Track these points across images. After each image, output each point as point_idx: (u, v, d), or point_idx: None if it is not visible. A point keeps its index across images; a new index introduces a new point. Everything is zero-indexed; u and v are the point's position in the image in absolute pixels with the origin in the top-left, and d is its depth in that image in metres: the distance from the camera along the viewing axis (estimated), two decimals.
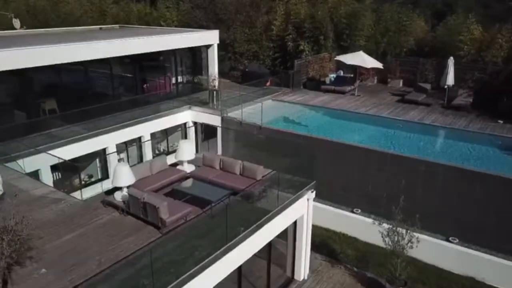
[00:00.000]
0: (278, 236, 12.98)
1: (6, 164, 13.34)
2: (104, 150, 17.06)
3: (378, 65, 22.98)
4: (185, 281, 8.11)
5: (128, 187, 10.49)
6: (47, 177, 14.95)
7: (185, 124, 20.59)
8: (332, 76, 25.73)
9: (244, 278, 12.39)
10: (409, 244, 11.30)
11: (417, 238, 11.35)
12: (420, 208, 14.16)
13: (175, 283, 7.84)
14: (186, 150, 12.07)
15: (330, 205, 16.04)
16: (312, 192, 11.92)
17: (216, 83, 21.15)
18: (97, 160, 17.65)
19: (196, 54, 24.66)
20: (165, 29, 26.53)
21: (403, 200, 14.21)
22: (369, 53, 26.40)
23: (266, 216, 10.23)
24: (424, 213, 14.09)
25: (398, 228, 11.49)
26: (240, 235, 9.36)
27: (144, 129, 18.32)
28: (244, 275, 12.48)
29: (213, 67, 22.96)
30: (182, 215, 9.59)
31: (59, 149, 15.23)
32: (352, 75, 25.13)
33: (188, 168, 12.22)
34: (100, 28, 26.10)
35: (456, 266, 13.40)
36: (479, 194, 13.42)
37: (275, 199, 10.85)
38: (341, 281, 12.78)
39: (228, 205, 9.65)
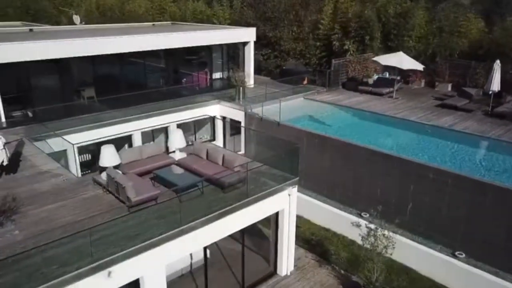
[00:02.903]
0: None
1: (35, 143, 15.09)
2: (130, 136, 18.43)
3: (418, 66, 21.78)
4: (132, 254, 8.77)
5: (117, 167, 11.46)
6: (73, 157, 16.51)
7: (213, 118, 21.34)
8: (376, 77, 24.94)
9: (228, 267, 12.85)
10: (384, 249, 10.85)
11: (393, 244, 10.86)
12: (427, 216, 13.60)
13: (118, 254, 8.56)
14: (176, 139, 12.77)
15: (336, 207, 15.81)
16: (293, 188, 11.90)
17: (251, 79, 21.63)
18: (126, 146, 19.04)
19: (234, 51, 25.36)
20: (209, 26, 27.54)
21: (411, 207, 13.83)
22: (418, 54, 25.15)
23: (233, 205, 10.50)
24: (432, 223, 13.47)
25: (379, 231, 11.09)
26: (197, 221, 9.78)
27: (170, 119, 19.34)
28: (230, 264, 12.94)
29: (249, 64, 23.44)
30: (149, 196, 10.24)
31: (91, 131, 16.88)
32: (398, 77, 24.11)
33: (179, 156, 12.89)
34: (153, 25, 27.89)
35: (452, 281, 12.54)
36: (490, 207, 12.41)
37: (253, 190, 11.09)
38: (323, 281, 12.61)
39: (178, 190, 10.29)
